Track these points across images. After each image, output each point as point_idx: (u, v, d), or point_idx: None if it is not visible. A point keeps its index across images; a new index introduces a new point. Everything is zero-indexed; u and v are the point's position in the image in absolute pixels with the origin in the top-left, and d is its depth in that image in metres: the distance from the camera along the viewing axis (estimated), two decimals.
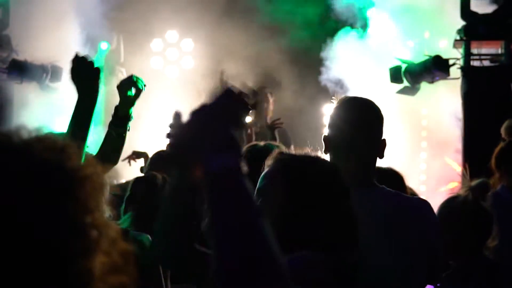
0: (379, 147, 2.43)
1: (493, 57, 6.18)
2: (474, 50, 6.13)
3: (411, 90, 6.51)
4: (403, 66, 6.48)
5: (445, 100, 6.37)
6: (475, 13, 5.96)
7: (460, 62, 6.08)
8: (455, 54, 6.20)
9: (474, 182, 2.79)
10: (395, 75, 6.43)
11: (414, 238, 2.34)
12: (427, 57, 6.25)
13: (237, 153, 1.04)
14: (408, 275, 2.34)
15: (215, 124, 1.03)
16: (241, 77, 7.58)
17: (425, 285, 2.48)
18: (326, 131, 2.48)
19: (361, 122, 2.42)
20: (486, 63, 6.19)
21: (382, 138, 2.45)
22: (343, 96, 2.57)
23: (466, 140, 5.82)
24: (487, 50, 6.28)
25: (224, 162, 1.01)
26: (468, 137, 5.80)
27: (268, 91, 6.85)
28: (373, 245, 2.25)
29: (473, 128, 5.78)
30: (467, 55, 6.00)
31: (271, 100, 6.79)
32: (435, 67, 6.11)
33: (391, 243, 2.30)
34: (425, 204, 2.45)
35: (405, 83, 6.53)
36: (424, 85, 6.49)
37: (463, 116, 5.90)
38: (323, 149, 2.44)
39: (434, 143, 6.85)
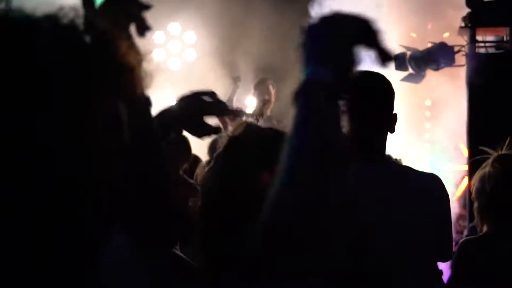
0: (390, 121, 2.40)
1: (498, 44, 6.16)
2: (479, 38, 6.10)
3: (416, 77, 6.47)
4: (408, 53, 6.45)
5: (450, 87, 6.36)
6: (480, 0, 5.92)
7: (465, 49, 6.05)
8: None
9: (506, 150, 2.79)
10: (400, 62, 6.39)
11: (425, 213, 2.31)
12: (431, 45, 6.22)
13: (338, 70, 0.96)
14: (417, 251, 2.30)
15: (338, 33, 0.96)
16: (243, 70, 7.56)
17: (435, 262, 2.45)
18: None
19: (372, 95, 2.39)
20: (491, 50, 6.16)
21: (393, 112, 2.42)
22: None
23: (471, 127, 5.79)
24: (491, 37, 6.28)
25: (319, 74, 0.96)
26: (473, 124, 5.76)
27: (270, 83, 6.81)
28: (383, 220, 2.22)
29: (478, 114, 5.74)
30: (472, 42, 5.97)
31: (273, 92, 6.75)
32: (440, 54, 6.08)
33: (401, 218, 2.27)
34: (436, 179, 2.42)
35: (410, 70, 6.49)
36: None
37: (468, 103, 5.87)
38: None
39: (438, 131, 6.83)
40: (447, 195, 2.44)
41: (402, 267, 2.22)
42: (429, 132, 7.36)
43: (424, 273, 2.33)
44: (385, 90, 2.42)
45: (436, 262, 2.43)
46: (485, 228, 2.77)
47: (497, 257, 2.71)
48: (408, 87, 6.58)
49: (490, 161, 2.79)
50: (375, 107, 2.38)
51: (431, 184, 2.39)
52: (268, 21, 7.70)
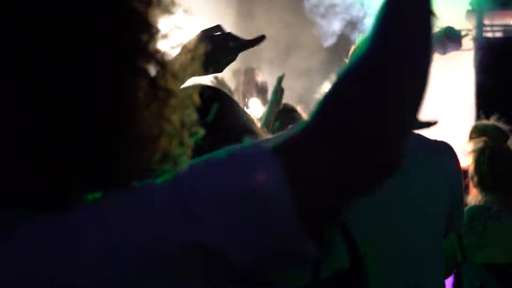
0: None
1: (506, 29, 6.11)
2: (487, 22, 6.07)
3: None
4: None
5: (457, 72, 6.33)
6: None
7: (473, 34, 6.02)
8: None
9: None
10: None
11: (437, 180, 2.28)
12: (439, 29, 6.18)
13: None
14: (429, 219, 2.26)
15: None
16: (245, 61, 7.53)
17: (445, 233, 2.41)
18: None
19: None
20: (499, 35, 6.13)
21: None
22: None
23: (479, 111, 5.75)
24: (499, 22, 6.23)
25: None
26: (480, 108, 5.73)
27: (256, 73, 6.71)
28: (394, 188, 2.19)
29: (485, 99, 5.71)
30: (480, 26, 5.93)
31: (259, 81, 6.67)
32: (448, 38, 6.03)
33: (413, 185, 2.24)
34: (449, 147, 2.39)
35: None
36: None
37: (475, 88, 5.84)
38: None
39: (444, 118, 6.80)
40: (459, 164, 2.42)
41: (415, 238, 2.19)
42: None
43: (434, 248, 2.29)
44: None
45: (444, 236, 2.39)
46: (481, 198, 2.81)
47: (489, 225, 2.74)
48: None
49: (469, 133, 2.84)
50: None
51: (444, 151, 2.36)
52: (275, 11, 7.67)
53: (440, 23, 6.37)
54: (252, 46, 1.77)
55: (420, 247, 2.21)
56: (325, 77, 7.81)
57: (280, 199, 0.62)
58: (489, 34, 6.07)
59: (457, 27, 6.15)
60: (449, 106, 6.72)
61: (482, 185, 2.80)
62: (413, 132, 2.37)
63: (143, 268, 0.61)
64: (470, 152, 2.85)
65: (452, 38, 6.04)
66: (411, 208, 2.20)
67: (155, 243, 0.61)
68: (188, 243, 0.61)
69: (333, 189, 0.65)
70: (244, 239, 0.61)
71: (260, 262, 0.63)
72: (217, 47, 1.63)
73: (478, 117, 5.80)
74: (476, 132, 2.85)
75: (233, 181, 0.62)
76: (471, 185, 2.87)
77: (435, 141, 2.39)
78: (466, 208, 2.80)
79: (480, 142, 2.84)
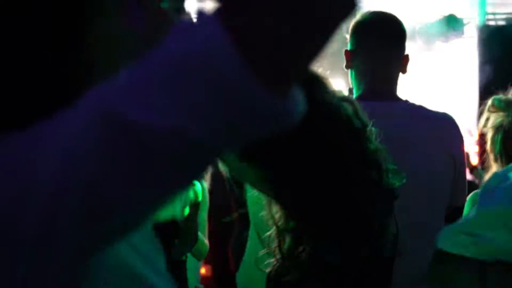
0: (402, 62, 2.39)
1: (508, 16, 6.09)
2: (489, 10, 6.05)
3: (425, 50, 6.41)
4: (417, 26, 6.38)
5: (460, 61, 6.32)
6: None
7: (475, 21, 6.01)
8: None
9: None
10: (409, 34, 6.33)
11: (439, 151, 2.28)
12: (441, 17, 6.17)
13: None
14: (430, 193, 2.26)
15: None
16: None
17: (447, 205, 2.39)
18: (348, 45, 2.42)
19: (384, 34, 2.37)
20: (501, 23, 6.11)
21: (405, 53, 2.41)
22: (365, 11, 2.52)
23: (481, 99, 5.75)
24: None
25: None
26: (483, 95, 5.73)
27: None
28: (397, 160, 2.19)
29: (488, 86, 5.70)
30: (483, 14, 5.92)
31: None
32: (450, 26, 6.02)
33: (415, 157, 2.24)
34: (451, 118, 2.39)
35: (419, 42, 6.43)
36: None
37: (478, 76, 5.84)
38: (345, 64, 2.39)
39: (447, 107, 6.80)
40: (462, 136, 2.41)
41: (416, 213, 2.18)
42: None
43: (435, 222, 2.28)
44: (399, 30, 2.40)
45: (445, 210, 2.37)
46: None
47: None
48: (417, 59, 6.53)
49: (486, 107, 2.81)
50: (390, 46, 2.36)
51: (446, 123, 2.36)
52: None
53: (442, 11, 6.35)
54: None
55: (421, 221, 2.20)
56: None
57: (219, 45, 0.52)
58: (492, 22, 6.05)
59: (459, 15, 6.14)
60: (451, 93, 6.71)
61: (498, 164, 2.78)
62: (413, 104, 2.37)
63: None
64: (488, 128, 2.81)
65: (454, 25, 6.03)
66: (412, 182, 2.19)
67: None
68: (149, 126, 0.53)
69: (275, 26, 0.53)
70: (195, 105, 0.53)
71: (228, 128, 0.54)
72: None
73: (480, 104, 5.79)
74: (494, 106, 2.81)
75: (167, 51, 0.54)
76: (489, 162, 2.85)
77: (437, 112, 2.38)
78: None
79: (498, 118, 2.80)
